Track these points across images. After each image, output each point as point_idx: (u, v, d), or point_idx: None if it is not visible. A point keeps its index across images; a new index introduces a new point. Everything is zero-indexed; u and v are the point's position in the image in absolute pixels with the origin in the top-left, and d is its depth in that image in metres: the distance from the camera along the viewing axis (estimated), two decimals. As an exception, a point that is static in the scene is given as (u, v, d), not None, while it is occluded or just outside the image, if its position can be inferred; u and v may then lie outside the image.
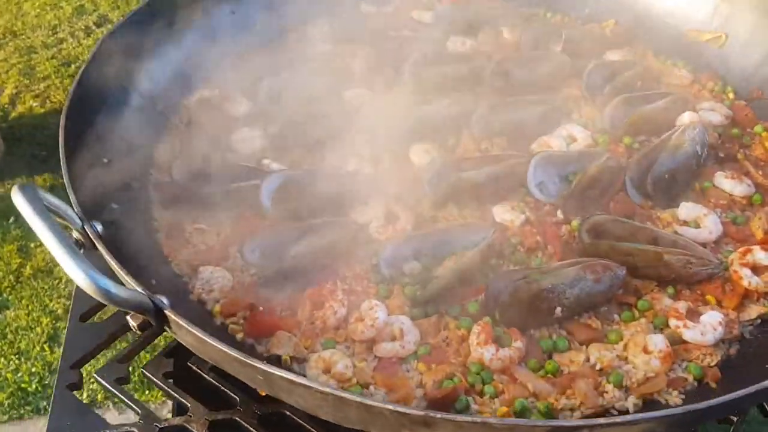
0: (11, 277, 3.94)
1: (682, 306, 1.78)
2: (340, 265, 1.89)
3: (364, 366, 1.68)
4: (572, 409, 1.62)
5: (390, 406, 1.31)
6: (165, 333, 1.59)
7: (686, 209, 2.02)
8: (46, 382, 3.46)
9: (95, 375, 1.74)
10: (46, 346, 3.60)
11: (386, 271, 1.87)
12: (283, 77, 2.43)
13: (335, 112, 2.29)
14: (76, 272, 1.41)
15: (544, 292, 1.73)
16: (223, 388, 1.74)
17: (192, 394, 1.73)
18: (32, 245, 4.09)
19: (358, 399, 1.33)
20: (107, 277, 1.43)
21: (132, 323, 1.52)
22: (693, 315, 1.77)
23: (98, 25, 5.80)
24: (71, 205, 1.67)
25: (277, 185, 2.02)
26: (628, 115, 2.27)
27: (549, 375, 1.68)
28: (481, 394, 1.64)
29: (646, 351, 1.69)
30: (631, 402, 1.63)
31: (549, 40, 2.63)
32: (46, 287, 3.90)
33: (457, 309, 1.80)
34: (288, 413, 1.67)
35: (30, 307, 3.79)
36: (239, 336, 1.77)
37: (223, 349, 1.40)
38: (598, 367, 1.69)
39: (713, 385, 1.67)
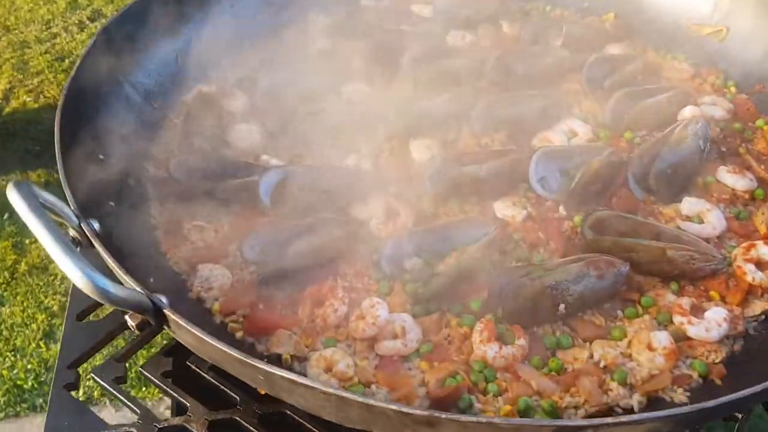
0: (6, 273, 3.90)
1: (686, 302, 1.77)
2: (341, 262, 1.87)
3: (365, 365, 1.67)
4: (576, 407, 1.60)
5: (394, 407, 1.29)
6: (164, 331, 1.57)
7: (689, 204, 2.01)
8: (42, 379, 3.44)
9: (93, 374, 1.72)
10: (41, 343, 3.57)
11: (387, 267, 1.85)
12: (281, 72, 2.41)
13: (334, 108, 2.28)
14: (73, 271, 1.38)
15: (548, 289, 1.71)
16: (222, 387, 1.72)
17: (191, 393, 1.71)
18: (27, 241, 4.06)
19: (361, 399, 1.31)
20: (105, 275, 1.41)
21: (130, 323, 1.50)
22: (697, 311, 1.76)
23: (92, 20, 5.76)
24: (67, 203, 1.64)
25: (276, 181, 2.00)
26: (630, 110, 2.26)
27: (553, 373, 1.66)
28: (484, 392, 1.62)
29: (650, 348, 1.68)
30: (635, 400, 1.62)
31: (549, 34, 2.62)
32: (41, 284, 3.87)
33: (459, 306, 1.78)
34: (289, 413, 1.65)
35: (25, 304, 3.76)
36: (239, 334, 1.74)
37: (224, 349, 1.38)
38: (602, 364, 1.67)
39: (718, 382, 1.66)
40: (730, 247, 1.93)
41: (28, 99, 5.01)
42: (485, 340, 1.67)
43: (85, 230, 1.62)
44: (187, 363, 1.79)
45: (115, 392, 1.70)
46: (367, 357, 1.69)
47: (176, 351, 1.79)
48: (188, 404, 1.69)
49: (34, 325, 3.66)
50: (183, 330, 1.45)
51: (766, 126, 2.27)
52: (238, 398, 1.69)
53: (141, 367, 1.77)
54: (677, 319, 1.74)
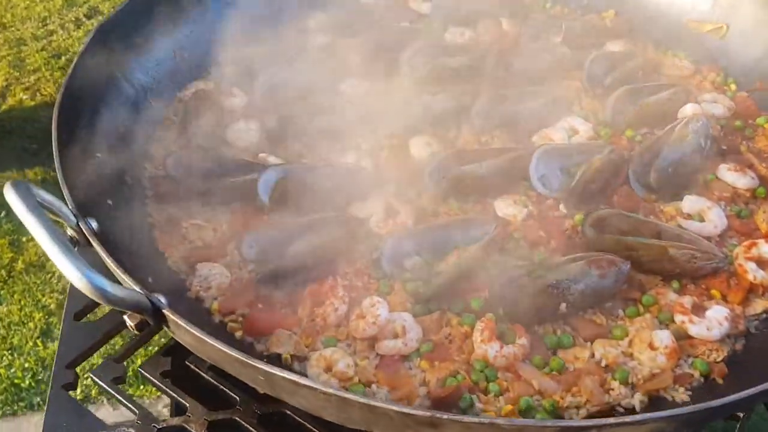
0: (3, 271, 3.88)
1: (687, 301, 1.76)
2: (340, 260, 1.86)
3: (365, 364, 1.66)
4: (578, 407, 1.59)
5: (396, 408, 1.29)
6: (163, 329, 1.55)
7: (690, 202, 2.00)
8: (40, 378, 3.42)
9: (92, 375, 1.71)
10: (39, 341, 3.56)
11: (387, 266, 1.84)
12: (280, 69, 2.39)
13: (333, 105, 2.27)
14: (71, 271, 1.37)
15: (549, 288, 1.70)
16: (222, 387, 1.71)
17: (190, 393, 1.70)
18: (24, 239, 4.04)
19: (363, 400, 1.30)
20: (103, 275, 1.40)
21: (129, 323, 1.48)
22: (698, 310, 1.75)
23: (88, 17, 5.73)
24: (65, 202, 1.63)
25: (275, 179, 1.99)
26: (630, 107, 2.25)
27: (554, 372, 1.65)
28: (486, 392, 1.62)
29: (651, 347, 1.67)
30: (637, 399, 1.61)
31: (549, 31, 2.60)
32: (38, 282, 3.85)
33: (459, 305, 1.77)
34: (289, 413, 1.64)
35: (22, 302, 3.75)
36: (238, 334, 1.73)
37: (224, 349, 1.37)
38: (603, 363, 1.66)
39: (720, 381, 1.65)
40: (731, 246, 1.92)
41: (24, 97, 4.99)
42: (486, 340, 1.66)
43: (83, 229, 1.60)
44: (186, 363, 1.77)
45: (114, 393, 1.69)
46: (368, 356, 1.68)
47: (175, 350, 1.78)
48: (187, 404, 1.68)
49: (31, 324, 3.64)
50: (182, 330, 1.44)
51: (767, 123, 2.26)
52: (237, 398, 1.68)
53: (140, 367, 1.76)
54: (678, 317, 1.73)
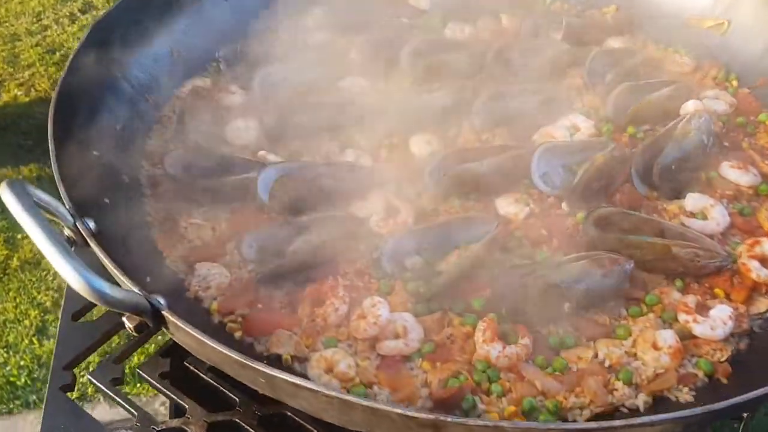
0: (-2, 269, 3.87)
1: (691, 300, 1.75)
2: (341, 260, 1.84)
3: (366, 365, 1.64)
4: (581, 408, 1.58)
5: (399, 410, 1.27)
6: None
7: (693, 200, 1.98)
8: (36, 376, 3.40)
9: (90, 377, 1.69)
10: (34, 339, 3.53)
11: (388, 265, 1.82)
12: (278, 67, 2.37)
13: (332, 103, 2.25)
14: (69, 273, 1.35)
15: (552, 288, 1.69)
16: (221, 388, 1.69)
17: (189, 394, 1.68)
18: (19, 236, 4.02)
19: (366, 403, 1.29)
20: (100, 276, 1.38)
21: (128, 325, 1.46)
22: (702, 309, 1.74)
23: (83, 12, 5.69)
24: (62, 201, 1.61)
25: (274, 178, 1.97)
26: (632, 104, 2.23)
27: (557, 372, 1.63)
28: (488, 392, 1.60)
29: (655, 347, 1.66)
30: (641, 399, 1.60)
31: (549, 28, 2.58)
32: (33, 279, 3.83)
33: (461, 305, 1.75)
34: (289, 414, 1.62)
35: (18, 300, 3.73)
36: (238, 334, 1.71)
37: (224, 351, 1.35)
38: (606, 363, 1.65)
39: (724, 380, 1.64)
40: (735, 244, 1.91)
41: (19, 92, 4.96)
42: (488, 340, 1.65)
43: (81, 229, 1.58)
44: (185, 363, 1.75)
45: (112, 394, 1.67)
46: (369, 357, 1.66)
47: (173, 351, 1.75)
48: (186, 406, 1.66)
49: (26, 321, 3.62)
50: (182, 332, 1.42)
51: (769, 120, 2.25)
52: (237, 399, 1.66)
53: (138, 368, 1.73)
54: (682, 317, 1.72)
